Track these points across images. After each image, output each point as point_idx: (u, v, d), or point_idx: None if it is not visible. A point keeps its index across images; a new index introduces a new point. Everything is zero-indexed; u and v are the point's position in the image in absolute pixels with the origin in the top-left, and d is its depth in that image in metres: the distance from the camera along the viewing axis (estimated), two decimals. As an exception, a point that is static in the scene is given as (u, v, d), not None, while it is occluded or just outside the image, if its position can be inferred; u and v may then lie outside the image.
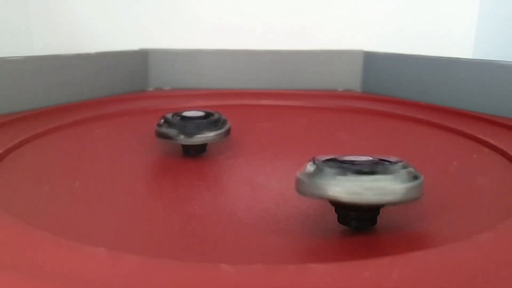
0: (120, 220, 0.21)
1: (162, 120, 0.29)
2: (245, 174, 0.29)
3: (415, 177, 0.18)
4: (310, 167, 0.18)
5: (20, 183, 0.25)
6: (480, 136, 0.34)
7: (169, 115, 0.29)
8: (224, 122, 0.30)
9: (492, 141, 0.33)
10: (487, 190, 0.25)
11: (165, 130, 0.28)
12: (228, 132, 0.30)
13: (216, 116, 0.30)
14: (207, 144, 0.30)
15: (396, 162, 0.18)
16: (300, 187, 0.18)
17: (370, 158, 0.19)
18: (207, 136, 0.28)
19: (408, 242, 0.19)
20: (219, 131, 0.29)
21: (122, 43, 0.57)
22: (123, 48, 0.55)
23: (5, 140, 0.31)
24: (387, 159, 0.19)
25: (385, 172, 0.17)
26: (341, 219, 0.19)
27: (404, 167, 0.18)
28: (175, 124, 0.28)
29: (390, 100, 0.50)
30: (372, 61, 0.56)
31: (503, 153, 0.31)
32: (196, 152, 0.30)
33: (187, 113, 0.30)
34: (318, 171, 0.18)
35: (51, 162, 0.30)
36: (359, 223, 0.18)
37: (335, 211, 0.19)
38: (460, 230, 0.20)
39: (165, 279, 0.14)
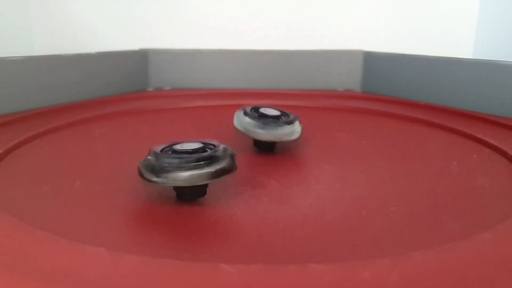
0: (120, 220, 0.21)
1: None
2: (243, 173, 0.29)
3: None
4: (150, 157, 0.23)
5: (20, 183, 0.25)
6: (480, 136, 0.34)
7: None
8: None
9: (492, 141, 0.33)
10: (487, 190, 0.25)
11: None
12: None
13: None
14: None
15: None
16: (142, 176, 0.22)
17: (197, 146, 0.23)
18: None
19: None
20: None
21: (122, 43, 0.57)
22: (123, 48, 0.55)
23: (5, 140, 0.31)
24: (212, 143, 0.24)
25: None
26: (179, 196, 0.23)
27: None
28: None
29: (390, 100, 0.50)
30: (372, 61, 0.56)
31: (503, 153, 0.31)
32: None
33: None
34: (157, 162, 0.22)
35: (51, 162, 0.30)
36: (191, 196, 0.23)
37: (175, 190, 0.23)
38: (460, 230, 0.20)
39: (165, 279, 0.14)
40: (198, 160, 0.22)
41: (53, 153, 0.31)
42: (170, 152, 0.23)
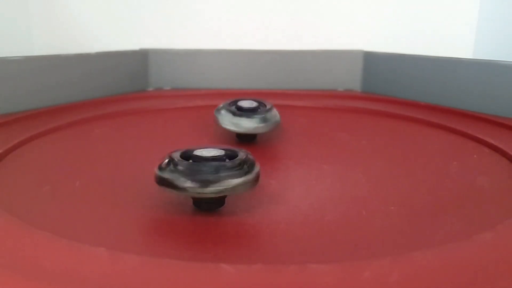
0: (120, 220, 0.21)
1: None
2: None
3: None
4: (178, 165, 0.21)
5: (20, 183, 0.25)
6: (480, 136, 0.34)
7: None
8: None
9: (492, 141, 0.33)
10: (487, 190, 0.25)
11: None
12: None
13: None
14: None
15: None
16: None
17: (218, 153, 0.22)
18: None
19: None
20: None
21: (122, 43, 0.57)
22: (123, 48, 0.55)
23: (5, 140, 0.31)
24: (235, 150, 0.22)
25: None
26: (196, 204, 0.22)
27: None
28: None
29: (390, 100, 0.50)
30: (372, 61, 0.56)
31: (503, 153, 0.31)
32: None
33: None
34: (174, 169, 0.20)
35: (51, 162, 0.30)
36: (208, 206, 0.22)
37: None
38: (460, 230, 0.20)
39: (165, 279, 0.14)
40: (240, 165, 0.21)
41: (53, 153, 0.31)
42: (189, 159, 0.22)
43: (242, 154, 0.22)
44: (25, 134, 0.33)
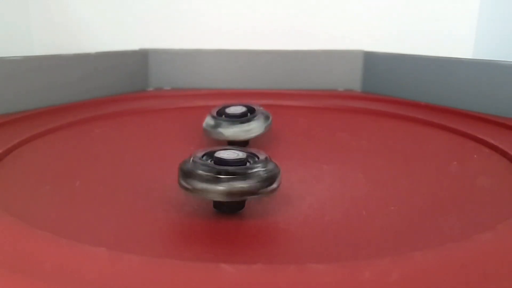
0: (120, 220, 0.21)
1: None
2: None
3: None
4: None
5: (20, 183, 0.25)
6: (480, 136, 0.34)
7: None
8: None
9: (492, 141, 0.33)
10: (487, 190, 0.25)
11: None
12: None
13: None
14: None
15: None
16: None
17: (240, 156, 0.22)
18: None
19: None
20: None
21: (122, 43, 0.57)
22: (123, 48, 0.55)
23: (5, 140, 0.31)
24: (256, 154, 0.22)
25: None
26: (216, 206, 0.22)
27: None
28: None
29: (390, 100, 0.50)
30: (372, 61, 0.56)
31: (503, 153, 0.31)
32: None
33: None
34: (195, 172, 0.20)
35: (51, 162, 0.30)
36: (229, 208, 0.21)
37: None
38: (460, 230, 0.20)
39: (165, 279, 0.14)
40: (266, 169, 0.21)
41: (53, 153, 0.31)
42: (211, 160, 0.21)
43: (263, 156, 0.22)
44: (25, 134, 0.33)
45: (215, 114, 0.32)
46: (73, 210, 0.22)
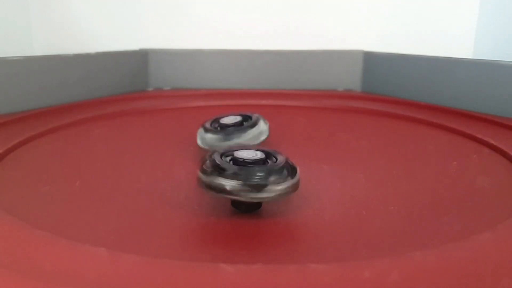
0: (120, 220, 0.21)
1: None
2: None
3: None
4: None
5: (20, 183, 0.25)
6: (480, 136, 0.34)
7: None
8: None
9: (492, 141, 0.33)
10: (487, 190, 0.25)
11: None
12: None
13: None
14: None
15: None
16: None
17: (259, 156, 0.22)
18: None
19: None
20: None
21: (122, 43, 0.57)
22: (123, 48, 0.55)
23: (5, 140, 0.31)
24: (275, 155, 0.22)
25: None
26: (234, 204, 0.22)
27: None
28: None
29: (390, 100, 0.50)
30: (372, 61, 0.56)
31: (503, 153, 0.31)
32: None
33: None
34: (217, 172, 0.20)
35: (51, 162, 0.30)
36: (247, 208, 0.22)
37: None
38: (460, 230, 0.20)
39: (165, 279, 0.14)
40: (286, 169, 0.21)
41: (53, 153, 0.31)
42: (230, 161, 0.21)
43: (281, 157, 0.22)
44: (25, 134, 0.33)
45: (214, 128, 0.30)
46: (73, 210, 0.22)
